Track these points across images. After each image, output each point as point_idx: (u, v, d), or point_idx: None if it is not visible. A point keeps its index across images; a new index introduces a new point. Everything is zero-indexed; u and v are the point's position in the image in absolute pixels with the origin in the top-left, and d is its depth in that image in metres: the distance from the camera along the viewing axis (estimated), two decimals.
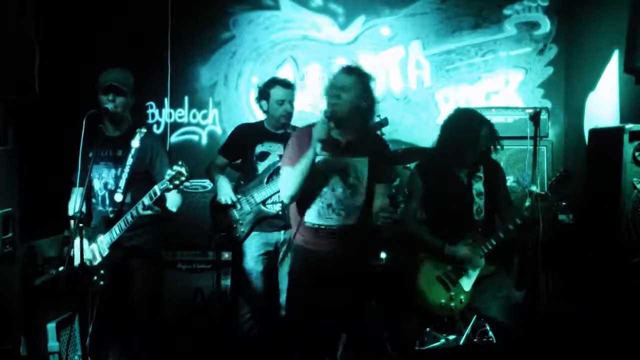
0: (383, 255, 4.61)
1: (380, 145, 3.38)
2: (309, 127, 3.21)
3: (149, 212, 3.23)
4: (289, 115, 4.06)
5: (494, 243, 3.47)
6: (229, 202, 4.00)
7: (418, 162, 3.83)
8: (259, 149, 4.07)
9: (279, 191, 3.79)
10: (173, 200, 3.41)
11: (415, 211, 3.63)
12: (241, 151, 4.14)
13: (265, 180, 4.00)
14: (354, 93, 3.10)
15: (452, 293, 3.54)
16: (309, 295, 3.22)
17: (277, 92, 4.03)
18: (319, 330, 3.25)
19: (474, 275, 3.51)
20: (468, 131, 3.46)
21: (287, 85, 4.08)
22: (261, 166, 4.06)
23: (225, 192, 4.02)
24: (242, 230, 4.01)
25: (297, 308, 3.29)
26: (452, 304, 3.53)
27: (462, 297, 3.52)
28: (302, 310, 3.26)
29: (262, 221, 4.02)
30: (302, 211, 3.23)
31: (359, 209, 3.20)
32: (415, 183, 3.62)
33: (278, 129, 4.09)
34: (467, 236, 3.51)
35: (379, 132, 4.25)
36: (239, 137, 4.19)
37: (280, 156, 3.95)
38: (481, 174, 3.56)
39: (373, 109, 3.21)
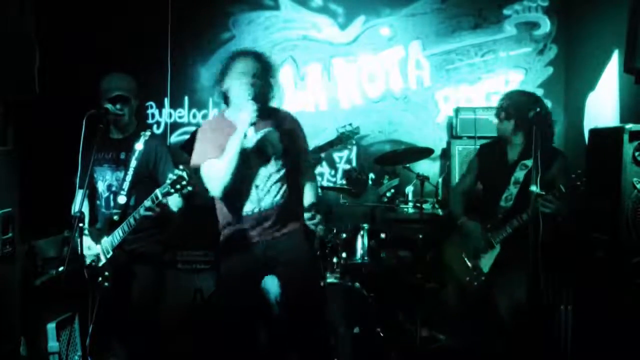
0: (382, 255, 4.62)
1: (289, 117, 3.36)
2: (217, 118, 3.32)
3: (149, 213, 3.22)
4: None
5: (509, 231, 3.53)
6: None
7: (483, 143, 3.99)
8: None
9: None
10: (175, 201, 3.41)
11: (462, 188, 3.82)
12: None
13: None
14: (259, 74, 3.16)
15: (475, 273, 3.66)
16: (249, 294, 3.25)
17: None
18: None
19: (491, 257, 3.60)
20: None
21: None
22: None
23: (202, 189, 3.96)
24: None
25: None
26: (475, 283, 3.66)
27: (482, 277, 3.64)
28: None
29: None
30: (234, 205, 3.20)
31: (284, 180, 3.20)
32: (473, 162, 3.81)
33: None
34: (488, 221, 3.61)
35: (352, 142, 4.43)
36: None
37: None
38: (529, 164, 3.50)
39: (272, 85, 3.24)
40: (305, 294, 3.21)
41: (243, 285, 3.23)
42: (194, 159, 3.20)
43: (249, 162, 3.16)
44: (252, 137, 3.17)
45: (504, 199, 3.57)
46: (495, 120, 3.72)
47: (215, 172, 3.12)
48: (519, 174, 3.57)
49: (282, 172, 3.21)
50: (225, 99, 3.26)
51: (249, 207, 3.19)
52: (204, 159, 3.17)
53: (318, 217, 3.18)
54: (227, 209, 3.23)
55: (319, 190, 3.40)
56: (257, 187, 3.18)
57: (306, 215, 3.23)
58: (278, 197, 3.19)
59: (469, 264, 3.69)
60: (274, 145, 3.20)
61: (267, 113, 3.22)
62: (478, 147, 3.84)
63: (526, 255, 3.46)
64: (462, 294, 3.77)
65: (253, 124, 3.07)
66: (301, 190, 3.32)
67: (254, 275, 3.27)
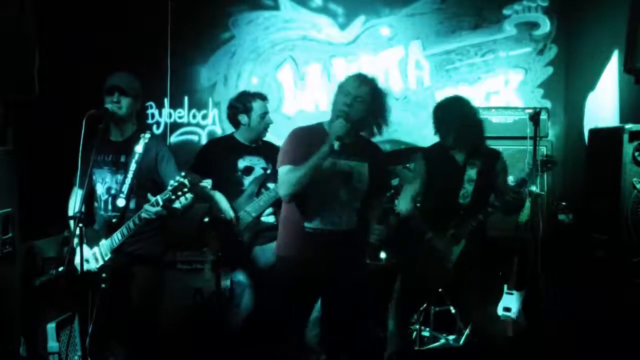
0: (383, 255, 4.62)
1: (377, 152, 3.43)
2: (311, 127, 3.30)
3: (154, 216, 3.21)
4: (268, 127, 4.07)
5: (474, 225, 3.59)
6: (229, 218, 3.94)
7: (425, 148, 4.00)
8: (241, 163, 4.02)
9: (272, 202, 3.85)
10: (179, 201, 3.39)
11: (414, 192, 3.75)
12: (214, 167, 3.99)
13: (256, 193, 3.96)
14: (367, 105, 3.18)
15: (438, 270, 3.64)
16: (301, 307, 3.30)
17: (259, 106, 4.02)
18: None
19: (455, 253, 3.61)
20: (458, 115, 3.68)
21: (265, 98, 4.10)
22: (247, 180, 4.01)
23: (225, 207, 3.94)
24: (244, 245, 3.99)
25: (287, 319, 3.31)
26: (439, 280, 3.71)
27: (447, 274, 3.64)
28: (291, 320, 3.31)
29: (260, 234, 3.99)
30: (301, 216, 3.22)
31: (356, 213, 3.25)
32: (419, 166, 3.79)
33: (254, 142, 4.07)
34: (450, 218, 3.63)
35: None
36: (213, 153, 4.10)
37: (264, 169, 4.00)
38: (476, 162, 3.66)
39: (379, 123, 3.26)
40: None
41: (298, 297, 3.27)
42: (280, 161, 3.23)
43: (327, 183, 3.18)
44: (342, 160, 3.19)
45: (462, 196, 3.65)
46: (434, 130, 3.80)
47: (288, 177, 3.15)
48: (471, 173, 3.66)
49: (358, 204, 3.24)
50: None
51: (315, 224, 3.20)
52: (283, 163, 3.20)
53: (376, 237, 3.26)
54: (291, 221, 3.27)
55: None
56: (333, 209, 3.20)
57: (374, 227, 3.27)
58: (345, 225, 3.21)
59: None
60: (361, 177, 3.23)
61: (366, 145, 3.31)
62: (420, 153, 3.85)
63: (491, 248, 3.76)
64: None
65: (339, 138, 3.06)
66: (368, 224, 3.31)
67: (307, 291, 3.29)
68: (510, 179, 3.80)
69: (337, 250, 3.21)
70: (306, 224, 3.21)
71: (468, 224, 3.59)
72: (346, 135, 3.09)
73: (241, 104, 4.03)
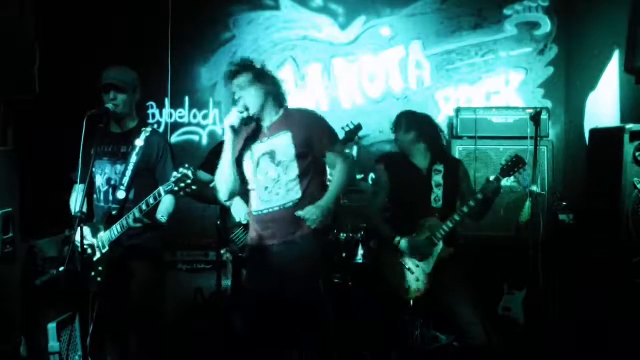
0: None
1: (307, 116, 3.39)
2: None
3: (138, 224, 3.21)
4: None
5: (451, 225, 3.60)
6: (239, 220, 3.94)
7: (381, 155, 4.09)
8: None
9: None
10: (166, 209, 3.39)
11: (380, 204, 3.82)
12: None
13: None
14: (256, 86, 3.24)
15: (416, 275, 3.65)
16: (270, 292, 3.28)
17: None
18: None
19: (433, 257, 3.62)
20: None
21: None
22: None
23: (233, 210, 3.94)
24: None
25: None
26: (415, 287, 3.65)
27: (424, 279, 3.63)
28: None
29: None
30: (249, 204, 3.36)
31: (296, 182, 3.24)
32: (383, 177, 3.84)
33: None
34: (425, 221, 3.66)
35: (356, 138, 4.53)
36: None
37: None
38: (441, 168, 3.73)
39: (281, 91, 3.33)
40: (304, 298, 3.24)
41: (264, 284, 3.29)
42: None
43: (254, 167, 3.27)
44: (264, 141, 3.26)
45: (434, 201, 3.70)
46: (394, 135, 3.86)
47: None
48: (437, 178, 3.72)
49: (294, 175, 3.23)
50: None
51: (259, 207, 3.28)
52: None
53: (316, 214, 3.13)
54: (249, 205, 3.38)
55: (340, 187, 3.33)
56: (266, 189, 3.25)
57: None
58: (287, 200, 3.23)
59: (412, 270, 3.68)
60: (285, 149, 3.23)
61: (290, 115, 3.32)
62: (381, 164, 3.87)
63: (468, 250, 3.79)
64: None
65: (232, 127, 3.18)
66: (321, 192, 3.27)
67: (271, 276, 3.28)
68: (511, 180, 3.81)
69: (282, 227, 3.23)
70: (253, 211, 3.32)
71: (445, 225, 3.60)
72: (240, 123, 3.18)
73: None
